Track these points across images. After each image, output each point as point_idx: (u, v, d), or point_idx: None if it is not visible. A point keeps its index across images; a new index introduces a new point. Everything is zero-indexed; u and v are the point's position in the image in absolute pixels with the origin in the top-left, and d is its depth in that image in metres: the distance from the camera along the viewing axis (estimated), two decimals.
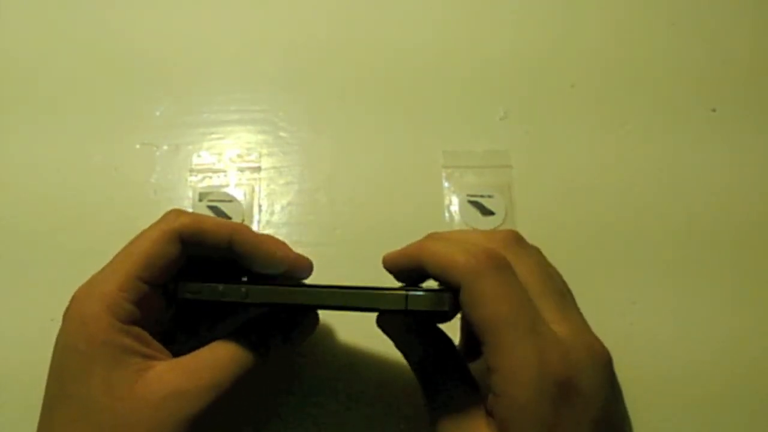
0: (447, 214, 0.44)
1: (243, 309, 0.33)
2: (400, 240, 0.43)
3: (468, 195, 0.44)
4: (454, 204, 0.44)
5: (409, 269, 0.31)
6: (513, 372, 0.25)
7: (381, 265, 0.42)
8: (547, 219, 0.44)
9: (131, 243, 0.30)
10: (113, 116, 0.47)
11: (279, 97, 0.48)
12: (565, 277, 0.42)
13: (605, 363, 0.29)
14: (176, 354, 0.30)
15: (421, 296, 0.28)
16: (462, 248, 0.27)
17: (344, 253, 0.43)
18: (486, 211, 0.44)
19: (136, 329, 0.29)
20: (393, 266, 0.32)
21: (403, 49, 0.50)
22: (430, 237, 0.31)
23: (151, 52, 0.50)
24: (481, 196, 0.44)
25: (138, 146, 0.46)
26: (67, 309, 0.29)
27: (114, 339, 0.27)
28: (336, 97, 0.48)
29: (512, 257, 0.29)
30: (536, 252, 0.32)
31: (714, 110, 0.49)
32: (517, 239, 0.31)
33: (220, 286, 0.30)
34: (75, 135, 0.46)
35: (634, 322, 0.41)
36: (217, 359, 0.29)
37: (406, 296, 0.28)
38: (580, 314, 0.31)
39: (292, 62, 0.49)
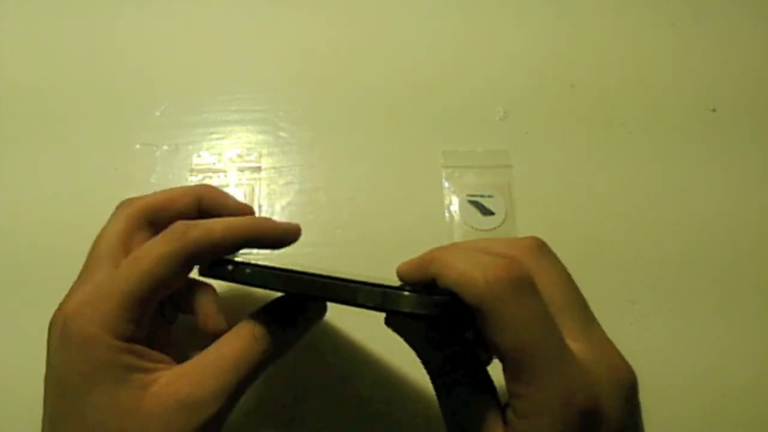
0: (447, 214, 0.44)
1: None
2: (399, 240, 0.43)
3: (468, 195, 0.44)
4: (454, 204, 0.44)
5: (424, 282, 0.27)
6: (536, 400, 0.24)
7: (381, 265, 0.42)
8: (547, 219, 0.44)
9: (134, 257, 0.28)
10: (113, 116, 0.47)
11: (279, 98, 0.48)
12: None
13: (630, 386, 0.27)
14: (175, 341, 0.31)
15: (401, 296, 0.25)
16: (480, 263, 0.25)
17: (344, 253, 0.43)
18: (486, 211, 0.44)
19: (137, 347, 0.28)
20: (408, 280, 0.29)
21: (403, 49, 0.50)
22: (445, 248, 0.28)
23: (152, 52, 0.50)
24: (481, 196, 0.44)
25: (138, 146, 0.46)
26: (62, 326, 0.27)
27: (115, 359, 0.27)
28: (336, 97, 0.48)
29: (536, 267, 0.27)
30: (560, 262, 0.29)
31: (714, 110, 0.49)
32: (540, 247, 0.29)
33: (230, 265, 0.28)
34: (75, 135, 0.46)
35: (634, 322, 0.41)
36: (222, 361, 0.28)
37: (384, 293, 0.25)
38: (602, 329, 0.29)
39: (292, 62, 0.49)
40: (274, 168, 0.45)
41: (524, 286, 0.25)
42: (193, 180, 0.45)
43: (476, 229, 0.43)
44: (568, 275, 0.29)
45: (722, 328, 0.41)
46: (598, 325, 0.29)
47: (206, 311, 0.31)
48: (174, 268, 0.28)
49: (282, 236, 0.32)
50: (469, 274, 0.24)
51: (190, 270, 0.29)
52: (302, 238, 0.43)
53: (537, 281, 0.25)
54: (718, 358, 0.40)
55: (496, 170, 0.46)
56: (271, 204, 0.44)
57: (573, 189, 0.45)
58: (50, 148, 0.46)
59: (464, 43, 0.51)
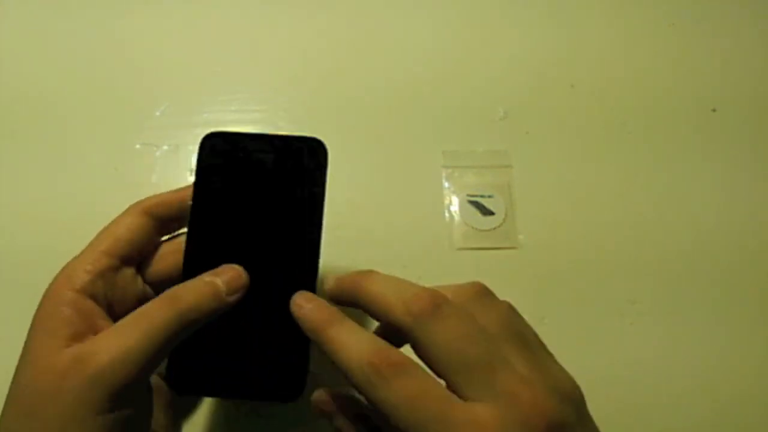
0: (447, 214, 0.44)
1: None
2: (399, 240, 0.43)
3: (468, 195, 0.44)
4: (454, 204, 0.44)
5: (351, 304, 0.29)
6: (476, 422, 0.23)
7: (380, 265, 0.42)
8: (547, 219, 0.44)
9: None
10: (113, 116, 0.47)
11: (279, 98, 0.48)
12: (565, 278, 0.42)
13: (577, 401, 0.27)
14: None
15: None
16: (399, 290, 0.26)
17: (344, 253, 0.43)
18: (486, 211, 0.44)
19: (89, 304, 0.29)
20: (336, 300, 0.30)
21: (403, 49, 0.50)
22: (367, 275, 0.29)
23: (152, 52, 0.50)
24: (481, 196, 0.44)
25: (138, 146, 0.46)
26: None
27: (57, 311, 0.28)
28: (336, 98, 0.48)
29: (475, 308, 0.26)
30: (506, 307, 0.29)
31: (714, 110, 0.49)
32: (483, 293, 0.28)
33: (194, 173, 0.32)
34: (75, 135, 0.46)
35: (634, 322, 0.41)
36: (134, 328, 0.27)
37: None
38: (550, 356, 0.28)
39: (292, 62, 0.49)
40: None
41: (444, 309, 0.25)
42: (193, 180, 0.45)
43: (476, 229, 0.43)
44: (512, 318, 0.28)
45: (722, 328, 0.41)
46: (546, 353, 0.28)
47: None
48: (134, 219, 0.32)
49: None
50: (390, 302, 0.26)
51: (152, 225, 0.32)
52: None
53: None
54: (717, 358, 0.40)
55: (496, 170, 0.46)
56: None
57: (573, 189, 0.45)
58: (50, 148, 0.46)
59: (464, 43, 0.51)
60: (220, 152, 0.32)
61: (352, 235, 0.43)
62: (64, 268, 0.30)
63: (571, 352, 0.40)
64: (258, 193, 0.32)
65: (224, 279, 0.30)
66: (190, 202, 0.32)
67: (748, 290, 0.42)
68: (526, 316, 0.41)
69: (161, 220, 0.32)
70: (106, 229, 0.32)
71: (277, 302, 0.30)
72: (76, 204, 0.44)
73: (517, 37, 0.51)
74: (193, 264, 0.31)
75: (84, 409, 0.26)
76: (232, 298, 0.29)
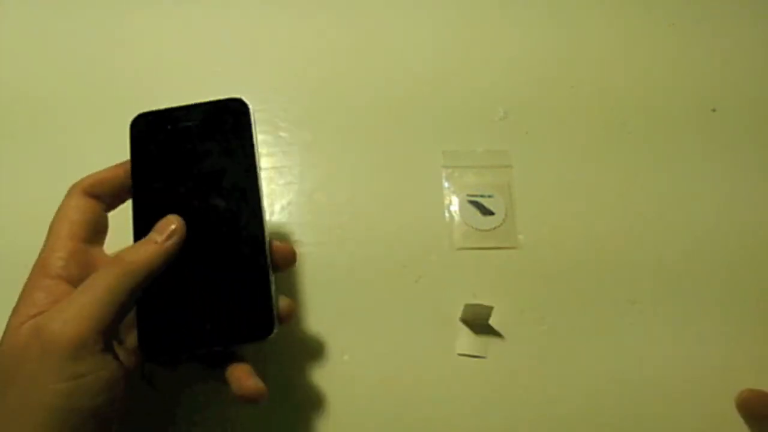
0: (447, 214, 0.44)
1: None
2: (399, 240, 0.43)
3: (468, 195, 0.44)
4: (454, 204, 0.44)
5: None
6: None
7: (380, 265, 0.42)
8: (547, 219, 0.44)
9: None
10: (113, 116, 0.47)
11: (279, 98, 0.48)
12: (565, 278, 0.42)
13: None
14: None
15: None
16: None
17: (344, 253, 0.43)
18: (486, 211, 0.44)
19: (65, 287, 0.30)
20: None
21: (403, 50, 0.50)
22: None
23: (152, 52, 0.50)
24: (481, 196, 0.44)
25: None
26: None
27: (29, 298, 0.30)
28: (336, 98, 0.48)
29: None
30: None
31: (714, 110, 0.49)
32: None
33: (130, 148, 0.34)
34: (75, 136, 0.46)
35: (634, 322, 0.41)
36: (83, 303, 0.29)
37: None
38: None
39: (292, 63, 0.49)
40: (274, 168, 0.45)
41: None
42: None
43: (476, 229, 0.43)
44: None
45: (722, 328, 0.41)
46: None
47: (238, 375, 0.32)
48: (77, 201, 0.33)
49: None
50: None
51: (95, 204, 0.33)
52: (302, 239, 0.43)
53: None
54: (717, 358, 0.40)
55: (496, 170, 0.46)
56: (270, 203, 0.44)
57: (573, 189, 0.45)
58: (50, 148, 0.46)
59: (464, 43, 0.51)
60: (150, 128, 0.35)
61: (352, 235, 0.43)
62: (37, 261, 0.31)
63: (572, 352, 0.40)
64: (192, 157, 0.34)
65: (157, 228, 0.32)
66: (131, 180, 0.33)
67: (748, 290, 0.42)
68: (526, 316, 0.41)
69: (100, 198, 0.34)
70: (57, 216, 0.33)
71: (230, 250, 0.32)
72: None
73: (517, 37, 0.51)
74: (142, 232, 0.32)
75: (43, 378, 0.27)
76: (169, 242, 0.31)
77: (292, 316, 0.33)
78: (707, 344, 0.41)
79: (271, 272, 0.32)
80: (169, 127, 0.35)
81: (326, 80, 0.49)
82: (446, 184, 0.45)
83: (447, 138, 0.47)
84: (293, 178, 0.45)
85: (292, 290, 0.41)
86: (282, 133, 0.47)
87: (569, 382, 0.39)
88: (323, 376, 0.39)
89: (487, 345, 0.40)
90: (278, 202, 0.44)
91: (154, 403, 0.37)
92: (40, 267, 0.31)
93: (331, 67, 0.49)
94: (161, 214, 0.32)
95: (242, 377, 0.31)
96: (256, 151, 0.34)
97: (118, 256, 0.30)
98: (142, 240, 0.31)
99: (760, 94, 0.49)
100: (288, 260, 0.34)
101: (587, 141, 0.47)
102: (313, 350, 0.40)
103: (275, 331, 0.31)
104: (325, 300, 0.41)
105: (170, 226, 0.32)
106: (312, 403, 0.38)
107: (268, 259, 0.32)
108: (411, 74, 0.49)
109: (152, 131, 0.35)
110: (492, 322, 0.40)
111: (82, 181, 0.34)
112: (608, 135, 0.47)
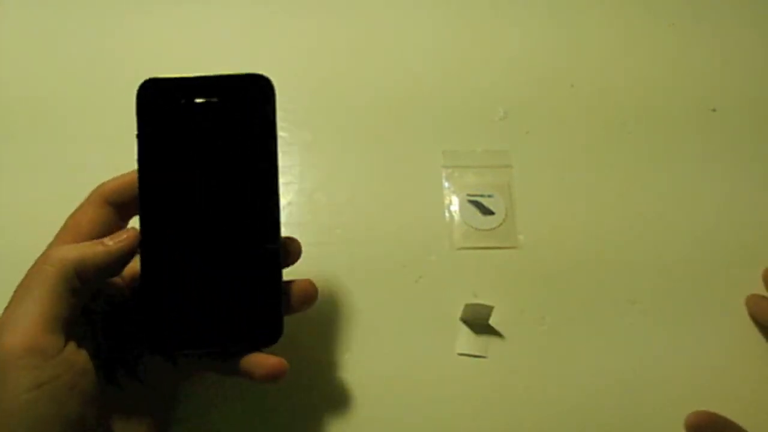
0: (447, 214, 0.44)
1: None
2: (399, 240, 0.43)
3: (468, 195, 0.44)
4: (455, 204, 0.44)
5: None
6: None
7: (380, 265, 0.42)
8: (547, 219, 0.44)
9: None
10: (113, 116, 0.47)
11: (279, 97, 0.48)
12: (565, 278, 0.42)
13: None
14: None
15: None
16: None
17: (344, 253, 0.43)
18: (486, 211, 0.44)
19: None
20: None
21: (403, 49, 0.50)
22: None
23: (151, 52, 0.50)
24: (481, 196, 0.44)
25: None
26: None
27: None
28: (336, 97, 0.48)
29: None
30: None
31: (714, 110, 0.49)
32: None
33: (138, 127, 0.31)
34: (76, 136, 0.46)
35: (634, 322, 0.41)
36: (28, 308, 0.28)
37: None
38: None
39: (292, 62, 0.49)
40: None
41: None
42: None
43: (476, 228, 0.43)
44: None
45: (722, 328, 0.41)
46: None
47: (256, 359, 0.31)
48: (96, 209, 0.32)
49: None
50: None
51: (122, 219, 0.33)
52: (302, 238, 0.43)
53: None
54: (717, 358, 0.40)
55: (496, 170, 0.46)
56: None
57: (573, 189, 0.45)
58: (51, 149, 0.46)
59: (464, 43, 0.51)
60: (161, 99, 0.31)
61: (352, 235, 0.43)
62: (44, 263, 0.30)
63: (572, 352, 0.40)
64: (206, 139, 0.30)
65: (114, 235, 0.30)
66: (137, 157, 0.30)
67: (748, 290, 0.42)
68: (526, 316, 0.41)
69: (122, 206, 0.32)
70: (69, 223, 0.32)
71: (243, 249, 0.30)
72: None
73: (517, 37, 0.51)
74: (149, 217, 0.30)
75: (8, 392, 0.26)
76: (115, 245, 0.30)
77: (313, 300, 0.33)
78: (707, 344, 0.41)
79: (281, 276, 0.31)
80: (183, 100, 0.31)
81: (326, 80, 0.49)
82: (446, 184, 0.45)
83: (447, 138, 0.47)
84: (293, 178, 0.45)
85: None
86: (282, 133, 0.47)
87: (569, 382, 0.39)
88: (323, 376, 0.39)
89: (487, 345, 0.40)
90: None
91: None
92: (66, 225, 0.31)
93: (331, 67, 0.49)
94: (169, 201, 0.30)
95: (261, 358, 0.31)
96: (276, 135, 0.31)
97: (55, 250, 0.30)
98: (100, 240, 0.30)
99: (760, 94, 0.49)
100: (308, 298, 0.33)
101: (587, 141, 0.47)
102: (313, 350, 0.39)
103: (281, 338, 0.30)
104: (325, 300, 0.41)
105: (124, 234, 0.31)
106: (312, 402, 0.38)
107: (281, 262, 0.31)
108: (411, 74, 0.49)
109: (163, 103, 0.31)
110: (492, 321, 0.40)
111: (104, 185, 0.33)
112: (608, 135, 0.47)
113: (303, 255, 0.42)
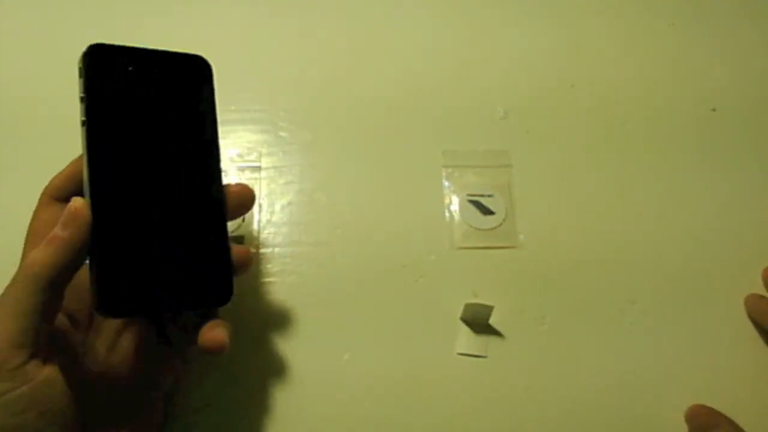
0: (447, 214, 0.44)
1: None
2: (400, 239, 0.43)
3: (468, 194, 0.44)
4: (455, 203, 0.44)
5: None
6: None
7: (380, 265, 0.42)
8: (547, 218, 0.44)
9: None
10: None
11: (279, 97, 0.48)
12: (565, 277, 0.42)
13: None
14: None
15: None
16: None
17: (344, 253, 0.43)
18: (486, 211, 0.44)
19: None
20: None
21: (404, 49, 0.50)
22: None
23: None
24: (481, 196, 0.44)
25: None
26: None
27: None
28: (336, 97, 0.48)
29: None
30: None
31: (714, 110, 0.49)
32: None
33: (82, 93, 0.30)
34: (75, 136, 0.46)
35: (634, 322, 0.41)
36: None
37: None
38: None
39: (292, 62, 0.49)
40: (274, 167, 0.45)
41: None
42: None
43: (476, 228, 0.44)
44: None
45: (722, 328, 0.41)
46: None
47: (204, 329, 0.32)
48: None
49: None
50: None
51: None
52: (302, 238, 0.43)
53: None
54: (717, 358, 0.40)
55: (496, 170, 0.46)
56: (271, 203, 0.44)
57: (573, 188, 0.45)
58: (51, 150, 0.45)
59: (465, 43, 0.51)
60: (108, 65, 0.31)
61: (352, 234, 0.43)
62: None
63: (572, 352, 0.40)
64: (152, 107, 0.32)
65: (62, 218, 0.29)
66: (83, 119, 0.30)
67: (748, 289, 0.42)
68: (526, 316, 0.41)
69: (68, 200, 0.31)
70: (29, 230, 0.33)
71: (190, 213, 0.31)
72: None
73: (517, 37, 0.51)
74: (97, 180, 0.30)
75: None
76: (69, 232, 0.28)
77: (250, 265, 0.34)
78: (707, 344, 0.41)
79: (228, 237, 0.32)
80: (130, 68, 0.31)
81: (326, 80, 0.49)
82: (446, 184, 0.45)
83: (447, 138, 0.47)
84: (293, 177, 0.45)
85: (291, 289, 0.41)
86: (282, 133, 0.47)
87: (569, 382, 0.39)
88: (323, 376, 0.39)
89: (487, 344, 0.40)
90: (278, 202, 0.44)
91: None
92: (29, 230, 0.31)
93: (332, 67, 0.49)
94: (119, 169, 0.30)
95: (206, 329, 0.31)
96: (215, 114, 0.33)
97: (23, 262, 0.29)
98: (49, 235, 0.29)
99: (760, 94, 0.49)
100: (244, 263, 0.33)
101: (587, 141, 0.47)
102: (313, 349, 0.39)
103: (233, 297, 0.31)
104: (325, 300, 0.41)
105: (70, 210, 0.29)
106: (312, 402, 0.38)
107: (227, 224, 0.32)
108: (411, 74, 0.49)
109: (110, 69, 0.31)
110: (492, 321, 0.40)
111: (49, 184, 0.33)
112: (608, 135, 0.47)
113: (303, 255, 0.42)
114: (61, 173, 0.33)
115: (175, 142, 0.32)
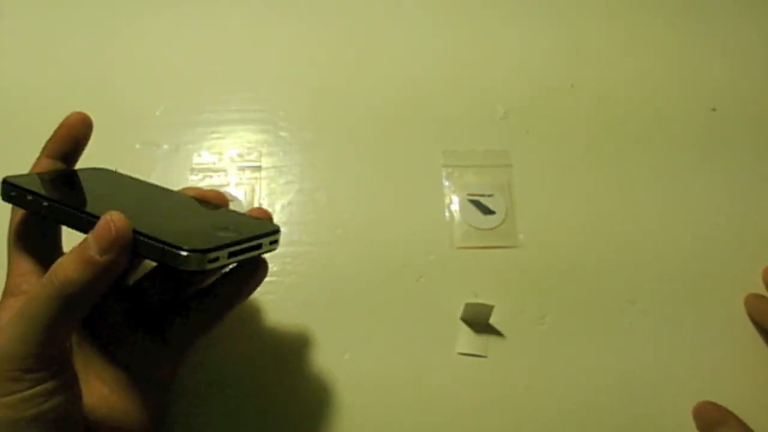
0: (447, 213, 0.44)
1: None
2: (400, 239, 0.43)
3: (468, 194, 0.45)
4: (455, 203, 0.44)
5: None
6: None
7: (380, 265, 0.42)
8: (547, 218, 0.44)
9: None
10: (113, 116, 0.47)
11: (279, 97, 0.48)
12: (565, 277, 0.42)
13: None
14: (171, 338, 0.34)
15: (178, 255, 0.27)
16: None
17: (345, 252, 0.43)
18: (486, 210, 0.44)
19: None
20: None
21: (404, 49, 0.50)
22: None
23: (152, 52, 0.50)
24: (482, 195, 0.44)
25: (138, 146, 0.46)
26: None
27: None
28: (336, 97, 0.48)
29: None
30: None
31: (714, 110, 0.49)
32: None
33: (29, 196, 0.31)
34: None
35: (634, 321, 0.41)
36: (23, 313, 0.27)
37: (163, 250, 0.27)
38: None
39: (292, 62, 0.50)
40: (274, 167, 0.45)
41: None
42: (194, 179, 0.45)
43: (476, 228, 0.44)
44: None
45: (722, 328, 0.41)
46: None
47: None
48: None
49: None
50: None
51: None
52: (303, 238, 0.43)
53: None
54: (717, 358, 0.40)
55: (496, 169, 0.46)
56: (271, 203, 0.44)
57: (573, 188, 0.45)
58: None
59: (465, 43, 0.51)
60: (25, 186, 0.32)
61: (352, 235, 0.43)
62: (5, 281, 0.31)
63: (572, 352, 0.40)
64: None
65: (96, 233, 0.27)
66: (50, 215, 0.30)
67: (748, 289, 0.42)
68: (526, 316, 0.41)
69: (35, 239, 0.32)
70: (8, 232, 0.33)
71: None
72: None
73: (517, 37, 0.51)
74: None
75: None
76: (104, 258, 0.26)
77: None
78: (707, 344, 0.41)
79: None
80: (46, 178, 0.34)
81: (327, 80, 0.49)
82: (446, 184, 0.45)
83: (447, 138, 0.47)
84: (293, 177, 0.45)
85: (291, 289, 0.41)
86: (282, 133, 0.47)
87: (569, 382, 0.39)
88: (324, 376, 0.39)
89: (488, 344, 0.40)
90: (278, 202, 0.44)
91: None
92: (5, 287, 0.31)
93: (332, 67, 0.49)
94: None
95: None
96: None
97: (49, 274, 0.27)
98: (78, 248, 0.27)
99: (760, 94, 0.49)
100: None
101: (587, 141, 0.47)
102: (313, 349, 0.39)
103: None
104: (325, 299, 0.41)
105: (108, 229, 0.27)
106: (312, 402, 0.38)
107: None
108: (411, 74, 0.49)
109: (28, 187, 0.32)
110: (492, 321, 0.40)
111: (9, 233, 0.33)
112: (608, 135, 0.47)
113: (303, 255, 0.42)
114: (14, 219, 0.33)
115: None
